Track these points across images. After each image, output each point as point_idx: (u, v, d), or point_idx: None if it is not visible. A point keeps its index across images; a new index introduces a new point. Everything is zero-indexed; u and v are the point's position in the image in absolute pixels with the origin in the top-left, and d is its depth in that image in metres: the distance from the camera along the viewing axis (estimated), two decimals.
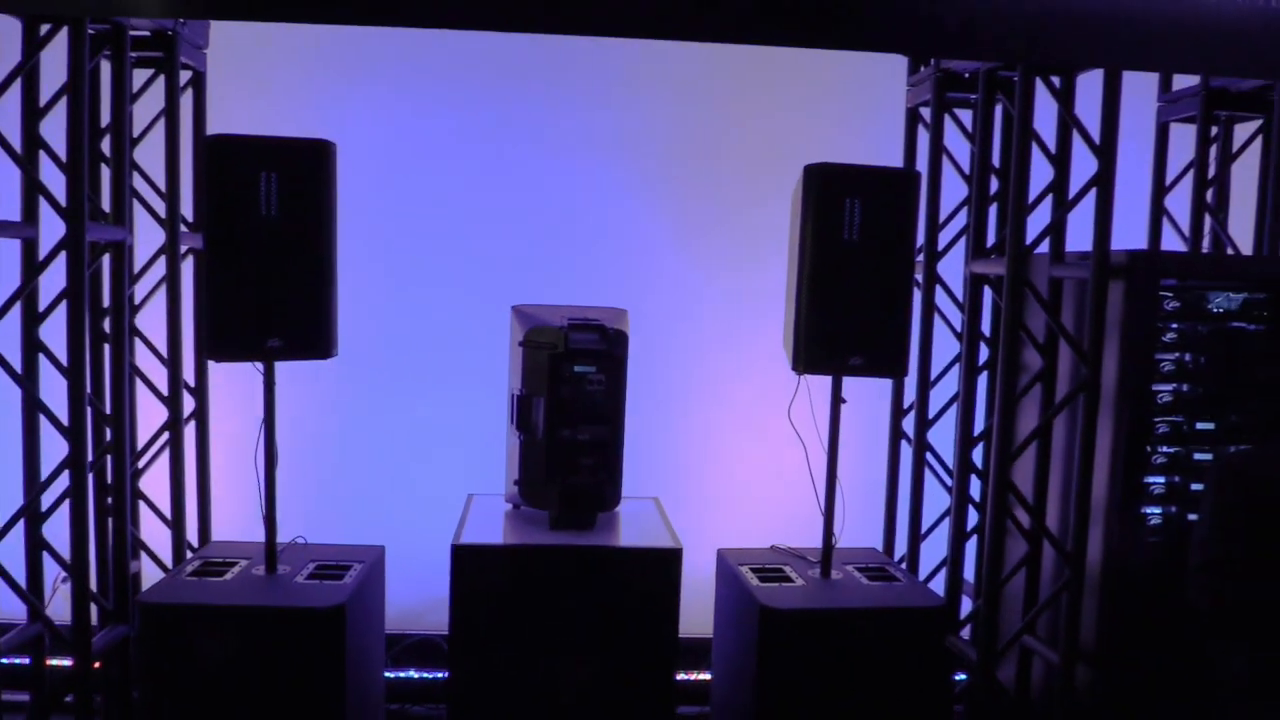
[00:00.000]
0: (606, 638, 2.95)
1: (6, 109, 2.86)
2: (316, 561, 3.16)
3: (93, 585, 3.04)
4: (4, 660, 3.38)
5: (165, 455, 3.34)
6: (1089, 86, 3.10)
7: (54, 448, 2.99)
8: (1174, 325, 3.03)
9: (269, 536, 3.06)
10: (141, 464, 3.36)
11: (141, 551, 3.37)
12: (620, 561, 2.96)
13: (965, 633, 3.45)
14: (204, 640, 2.79)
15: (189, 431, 3.43)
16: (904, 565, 3.64)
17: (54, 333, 2.99)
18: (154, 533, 3.38)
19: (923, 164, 3.71)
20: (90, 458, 2.97)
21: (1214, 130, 3.63)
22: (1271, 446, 2.50)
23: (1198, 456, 3.06)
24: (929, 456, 3.68)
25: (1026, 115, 3.01)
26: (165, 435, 3.33)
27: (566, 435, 3.00)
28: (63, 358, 2.93)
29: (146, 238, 3.29)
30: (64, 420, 2.89)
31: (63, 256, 2.85)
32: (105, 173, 3.18)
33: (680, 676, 3.37)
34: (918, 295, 3.51)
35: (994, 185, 3.51)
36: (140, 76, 3.30)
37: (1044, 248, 3.13)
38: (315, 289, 2.95)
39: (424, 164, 3.98)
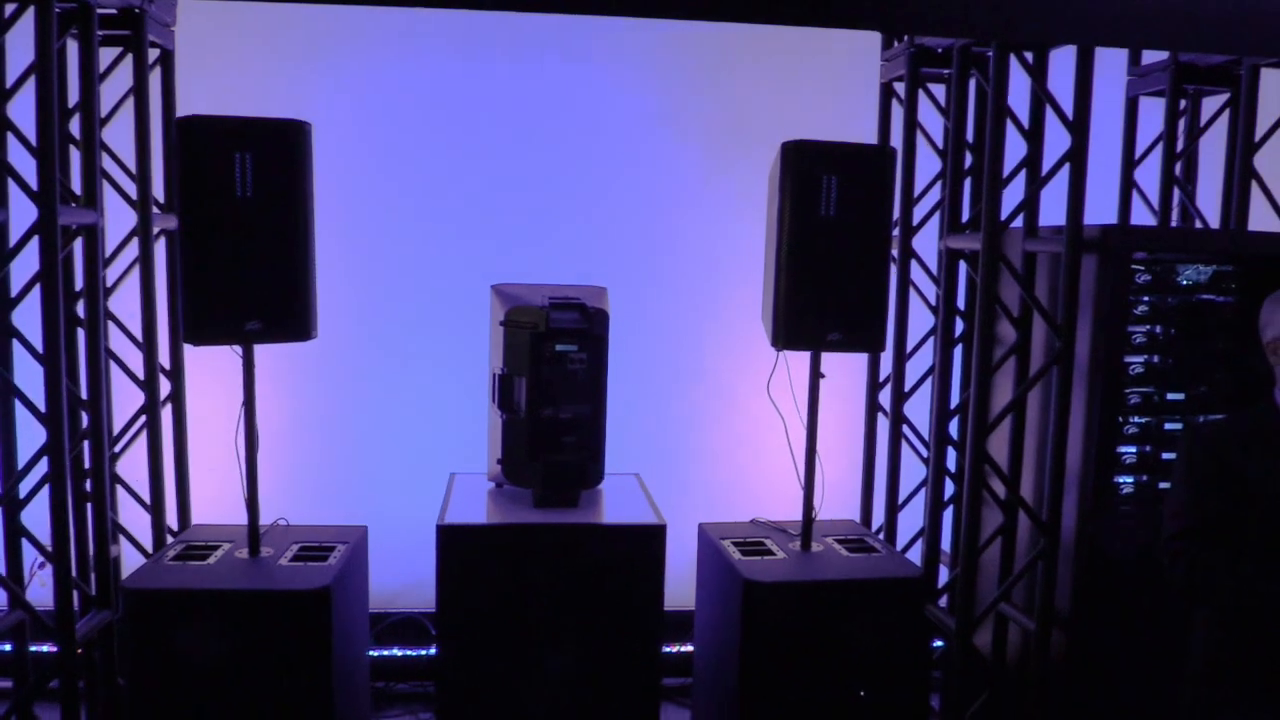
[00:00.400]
0: (592, 614, 2.98)
1: None
2: (299, 543, 3.16)
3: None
4: None
5: (141, 440, 3.31)
6: (1060, 62, 3.14)
7: (28, 434, 2.97)
8: (1145, 298, 3.08)
9: (251, 520, 3.06)
10: (117, 449, 3.33)
11: (120, 536, 3.34)
12: (605, 538, 2.98)
13: (942, 601, 3.52)
14: (190, 625, 2.78)
15: (165, 415, 3.41)
16: (881, 536, 3.70)
17: (24, 318, 2.96)
18: (130, 518, 3.35)
19: (895, 139, 3.75)
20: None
21: (1182, 104, 3.68)
22: (1242, 414, 2.55)
23: (1168, 426, 3.13)
24: (904, 429, 3.72)
25: (1001, 92, 3.03)
26: (141, 419, 3.30)
27: (549, 414, 3.01)
28: (36, 343, 2.90)
29: (116, 220, 3.25)
30: (39, 406, 2.86)
31: (33, 241, 2.80)
32: (73, 154, 3.13)
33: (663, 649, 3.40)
34: (893, 270, 3.54)
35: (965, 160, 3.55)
36: (106, 56, 3.24)
37: (1017, 222, 3.17)
38: (293, 270, 2.93)
39: (396, 142, 3.95)
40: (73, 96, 3.05)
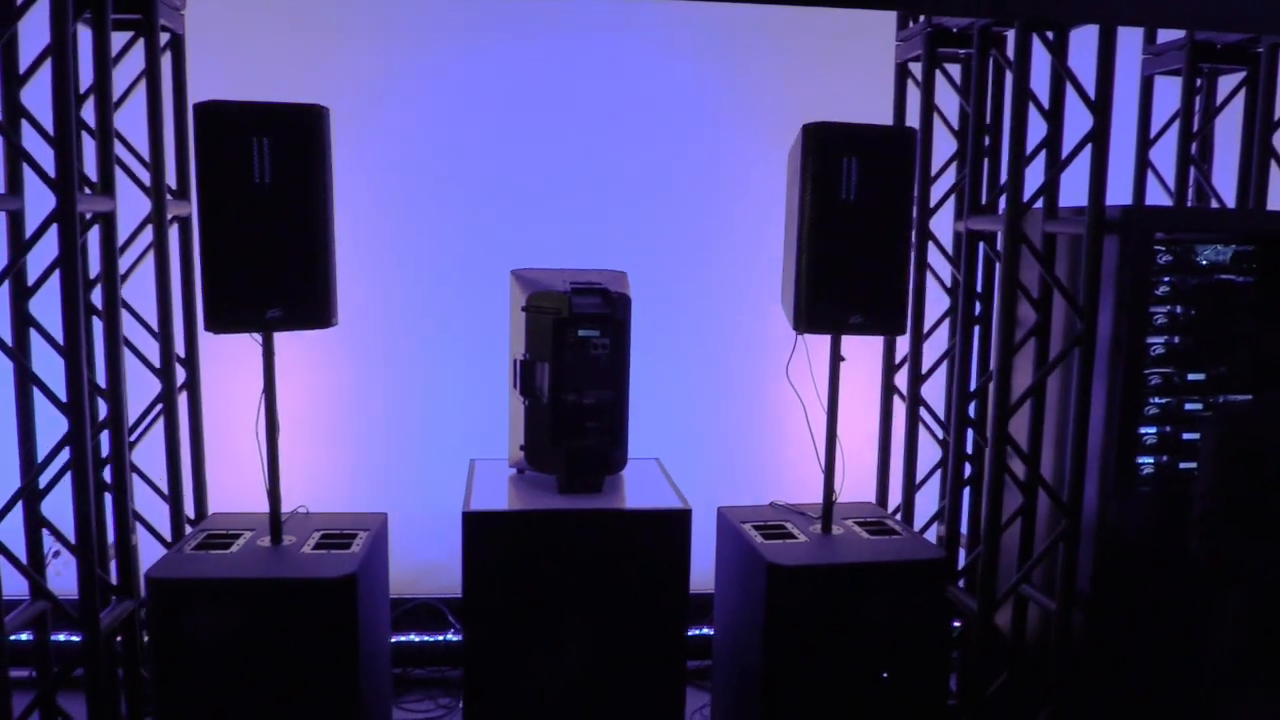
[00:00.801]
0: (617, 598, 2.98)
1: None
2: (321, 531, 3.15)
3: None
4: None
5: (155, 429, 3.29)
6: (1077, 42, 3.13)
7: (46, 423, 2.95)
8: (1165, 279, 3.08)
9: (273, 508, 3.04)
10: (133, 438, 3.31)
11: (138, 525, 3.33)
12: (631, 523, 2.98)
13: (959, 582, 3.53)
14: (215, 614, 2.77)
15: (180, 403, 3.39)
16: (899, 517, 3.71)
17: (39, 307, 2.93)
18: (146, 507, 3.34)
19: (909, 120, 3.74)
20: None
21: (1198, 82, 3.66)
22: (1270, 397, 2.55)
23: (1188, 407, 3.13)
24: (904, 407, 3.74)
25: (1024, 71, 3.02)
26: (157, 408, 3.28)
27: (572, 399, 3.00)
28: (52, 331, 2.88)
29: (128, 206, 3.22)
30: (58, 395, 2.84)
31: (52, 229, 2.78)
32: (85, 141, 3.09)
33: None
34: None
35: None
36: (117, 41, 3.19)
37: (1036, 203, 3.16)
38: (313, 257, 2.91)
39: (411, 127, 3.92)
40: (83, 83, 3.02)
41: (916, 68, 3.67)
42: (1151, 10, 2.87)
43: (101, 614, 2.91)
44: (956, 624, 3.68)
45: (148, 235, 3.24)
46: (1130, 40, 3.79)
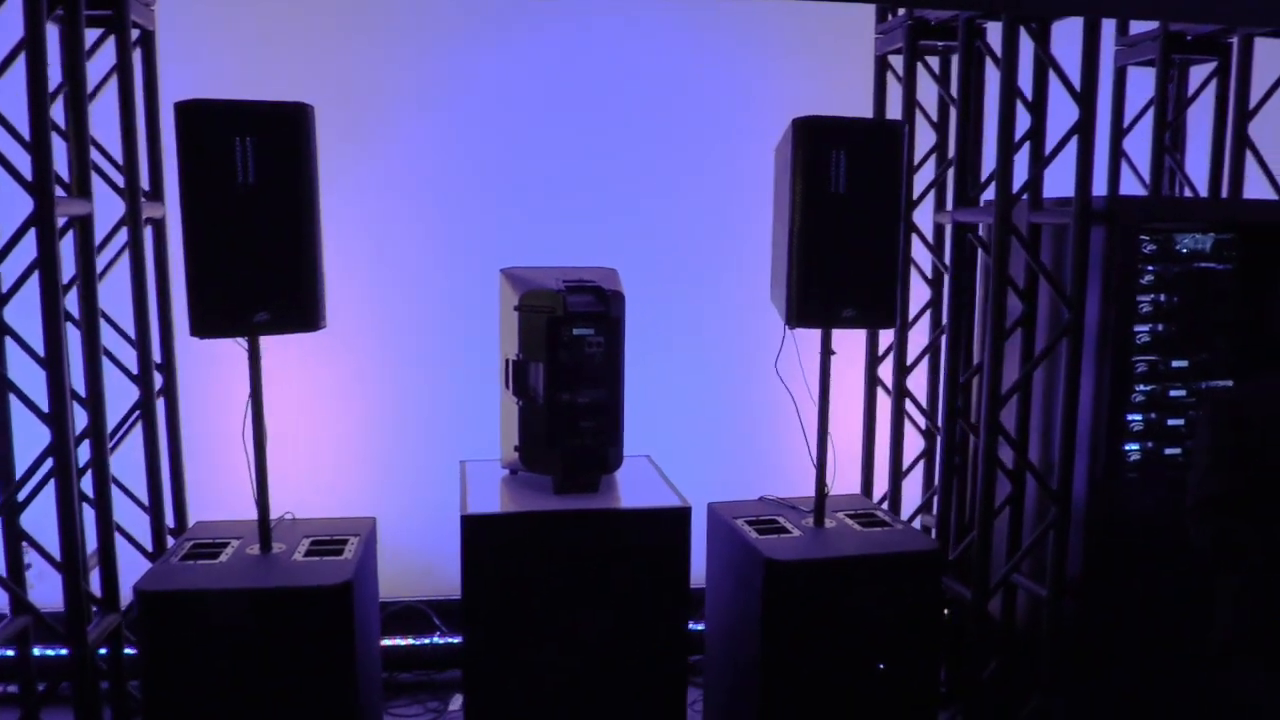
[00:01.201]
0: (618, 598, 2.96)
1: None
2: (310, 537, 3.08)
3: None
4: None
5: (130, 438, 3.21)
6: (1057, 33, 3.16)
7: (24, 433, 2.85)
8: (1149, 267, 3.13)
9: (262, 515, 2.98)
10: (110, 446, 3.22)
11: (117, 537, 3.24)
12: (631, 522, 2.96)
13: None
14: (208, 626, 2.71)
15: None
16: (885, 507, 3.73)
17: (12, 313, 2.84)
18: (122, 516, 3.24)
19: (889, 112, 3.76)
20: None
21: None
22: (1263, 381, 2.60)
23: (1173, 393, 3.19)
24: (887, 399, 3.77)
25: (1012, 65, 3.04)
26: (133, 416, 3.20)
27: (567, 399, 2.97)
28: (26, 338, 2.79)
29: (97, 209, 3.13)
30: (38, 405, 2.76)
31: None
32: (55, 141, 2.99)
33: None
34: None
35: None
36: (87, 39, 3.10)
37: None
38: (300, 259, 2.84)
39: (389, 124, 3.85)
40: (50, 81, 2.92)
41: (895, 60, 3.69)
42: (1135, 3, 2.88)
43: (89, 628, 2.83)
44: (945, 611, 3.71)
45: (119, 239, 3.16)
46: (1103, 32, 3.84)
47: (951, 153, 3.69)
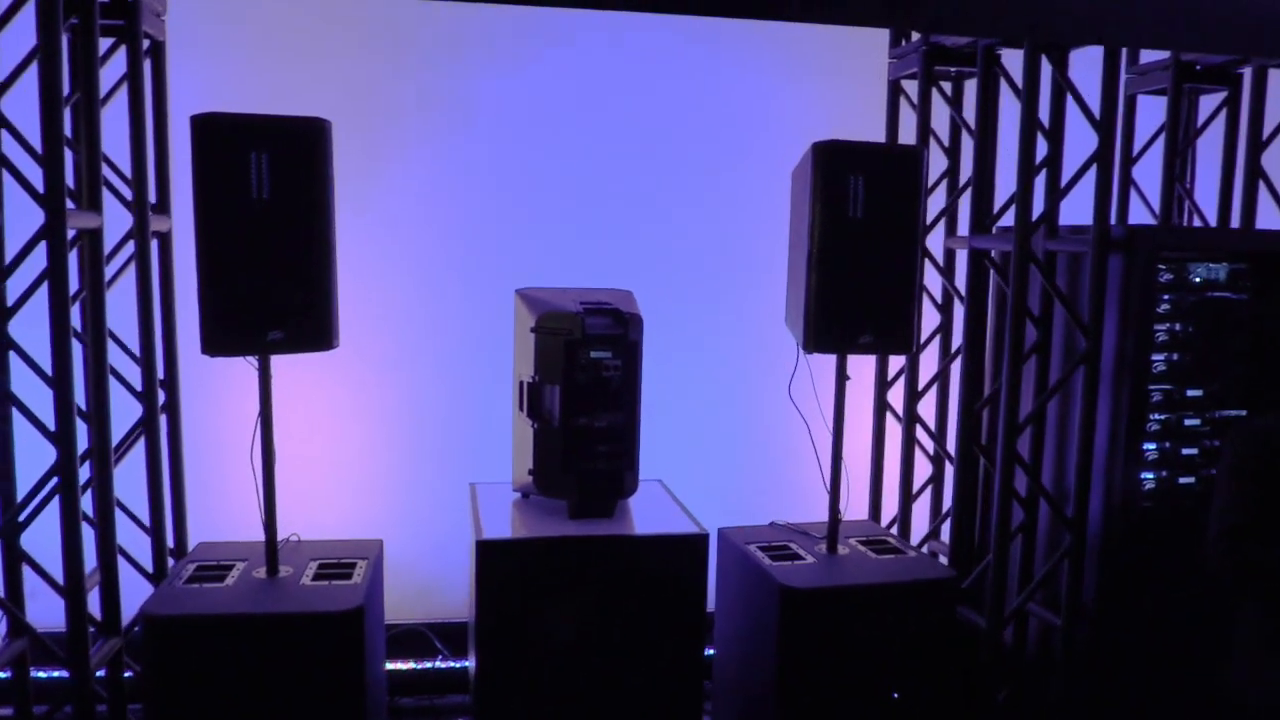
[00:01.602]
0: (634, 625, 2.92)
1: None
2: (318, 560, 3.02)
3: None
4: None
5: (129, 457, 3.14)
6: (1073, 62, 3.17)
7: (26, 449, 2.78)
8: (1165, 296, 3.12)
9: (269, 538, 2.91)
10: None
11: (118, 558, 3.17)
12: (648, 549, 2.92)
13: None
14: (215, 651, 2.64)
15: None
16: (894, 531, 3.71)
17: (15, 326, 2.77)
18: (121, 536, 3.17)
19: (901, 137, 3.76)
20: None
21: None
22: None
23: (1188, 422, 3.18)
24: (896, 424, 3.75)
25: (1033, 92, 3.04)
26: (135, 434, 3.13)
27: (583, 422, 2.93)
28: (31, 353, 2.72)
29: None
30: (44, 422, 2.69)
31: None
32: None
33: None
34: None
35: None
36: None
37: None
38: (314, 276, 2.78)
39: (402, 143, 3.80)
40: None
41: (907, 85, 3.69)
42: (1158, 33, 2.89)
43: (90, 651, 2.76)
44: None
45: (123, 253, 3.11)
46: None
47: (963, 178, 3.70)
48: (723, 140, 3.99)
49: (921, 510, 3.91)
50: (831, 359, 3.16)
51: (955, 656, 3.38)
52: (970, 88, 3.67)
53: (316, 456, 3.79)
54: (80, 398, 2.84)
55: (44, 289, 2.67)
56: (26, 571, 2.80)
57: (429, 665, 3.87)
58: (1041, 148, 3.17)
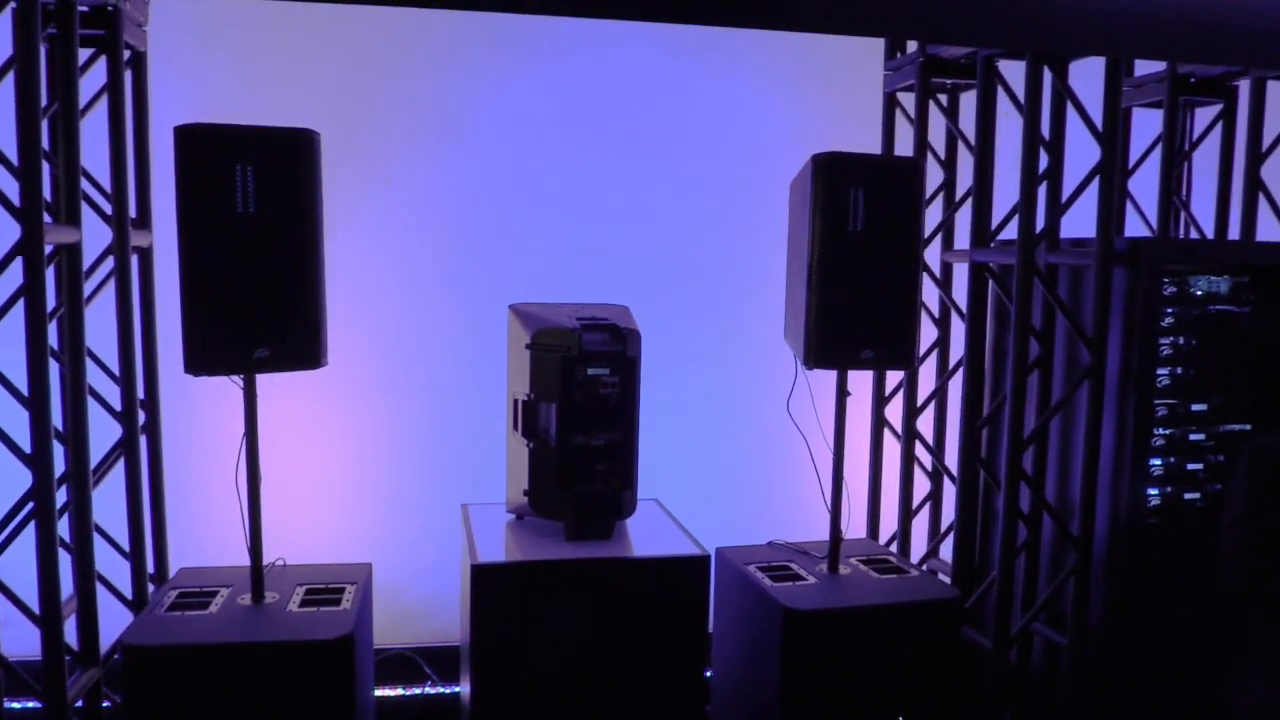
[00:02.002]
0: (633, 648, 2.83)
1: None
2: (305, 585, 2.92)
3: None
4: None
5: (107, 480, 3.03)
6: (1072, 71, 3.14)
7: (1, 473, 2.67)
8: (1169, 310, 3.08)
9: (255, 563, 2.81)
10: None
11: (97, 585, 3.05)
12: (648, 571, 2.83)
13: None
14: (200, 683, 2.53)
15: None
16: (893, 549, 3.65)
17: None
18: (98, 560, 3.05)
19: (897, 149, 3.72)
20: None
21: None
22: None
23: (1192, 437, 3.13)
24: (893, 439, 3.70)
25: (1035, 104, 3.00)
26: (114, 456, 3.02)
27: (580, 441, 2.85)
28: (7, 372, 2.62)
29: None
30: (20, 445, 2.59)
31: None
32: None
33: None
34: None
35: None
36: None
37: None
38: (302, 292, 2.69)
39: (391, 155, 3.72)
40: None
41: (903, 97, 3.65)
42: (1161, 43, 2.86)
43: (68, 682, 2.65)
44: None
45: (101, 269, 3.01)
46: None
47: (959, 191, 3.65)
48: (716, 153, 3.93)
49: (919, 527, 3.85)
50: (829, 374, 3.10)
51: (959, 677, 3.32)
52: (965, 100, 3.64)
53: (302, 478, 3.69)
54: (57, 419, 2.74)
55: (20, 306, 2.58)
56: (0, 599, 2.70)
57: (417, 691, 3.76)
58: (1041, 160, 3.13)
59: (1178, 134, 3.74)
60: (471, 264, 3.75)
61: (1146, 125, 3.76)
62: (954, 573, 3.37)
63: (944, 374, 3.71)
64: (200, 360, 2.60)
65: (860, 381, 3.72)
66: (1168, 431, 3.11)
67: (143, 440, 3.12)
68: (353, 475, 3.78)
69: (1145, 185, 3.74)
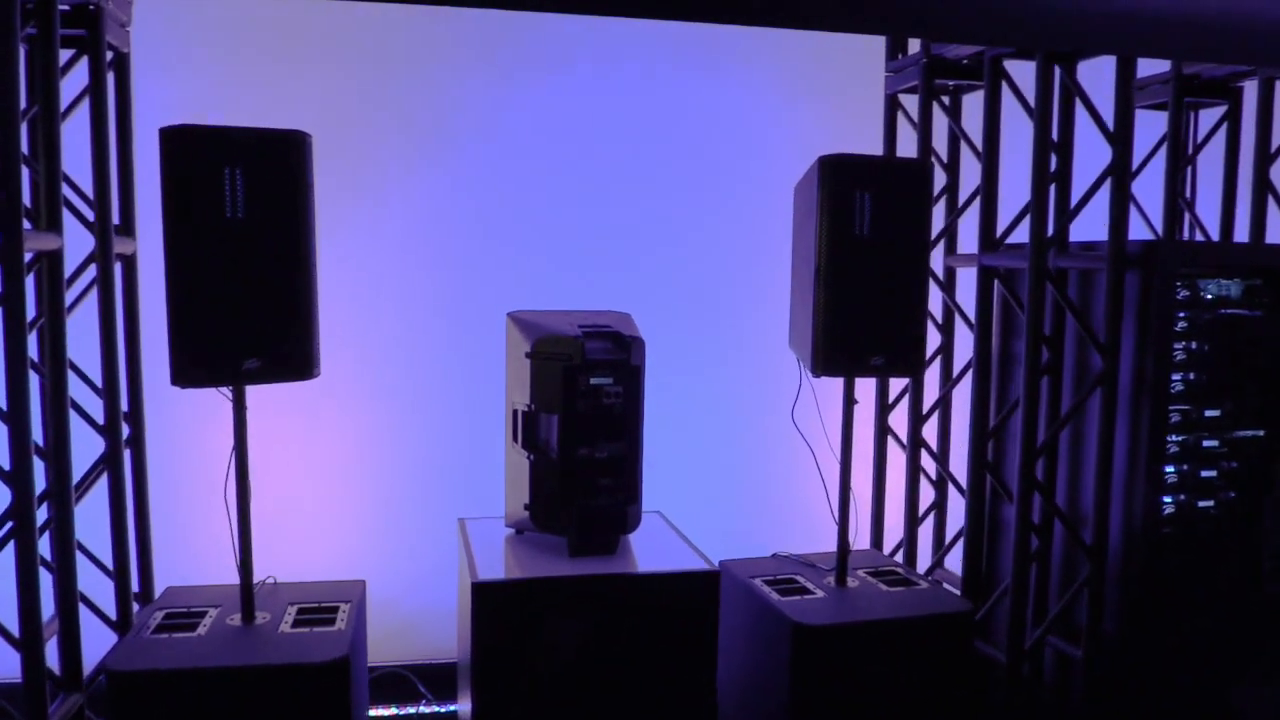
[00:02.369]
0: (639, 665, 2.74)
1: None
2: (296, 604, 2.82)
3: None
4: None
5: (89, 496, 2.92)
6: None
7: None
8: (1181, 314, 3.02)
9: (245, 582, 2.71)
10: None
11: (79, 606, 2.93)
12: (656, 587, 2.74)
13: None
14: (188, 709, 2.43)
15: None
16: (899, 559, 3.58)
17: None
18: (80, 579, 2.93)
19: (899, 151, 3.65)
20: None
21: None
22: None
23: (1206, 444, 3.07)
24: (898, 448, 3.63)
25: (1046, 104, 2.93)
26: (95, 472, 2.91)
27: (584, 453, 2.75)
28: None
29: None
30: None
31: None
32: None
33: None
34: None
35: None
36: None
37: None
38: (294, 300, 2.60)
39: (385, 161, 3.62)
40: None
41: (905, 99, 3.58)
42: (1175, 42, 2.79)
43: (49, 709, 2.53)
44: None
45: (85, 277, 2.90)
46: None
47: (963, 194, 3.59)
48: (714, 158, 3.86)
49: (923, 536, 3.77)
50: (833, 382, 3.02)
51: (971, 691, 3.25)
52: (968, 102, 3.58)
53: (293, 492, 3.58)
54: (38, 433, 2.63)
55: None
56: None
57: (411, 710, 3.65)
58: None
59: (1182, 135, 3.69)
60: (467, 271, 3.65)
61: (1148, 128, 3.70)
62: (963, 584, 3.29)
63: (948, 381, 3.64)
64: (187, 372, 2.50)
65: (863, 389, 3.64)
66: (1181, 438, 3.05)
67: (127, 455, 3.02)
68: (344, 489, 3.68)
69: (1146, 188, 3.68)
